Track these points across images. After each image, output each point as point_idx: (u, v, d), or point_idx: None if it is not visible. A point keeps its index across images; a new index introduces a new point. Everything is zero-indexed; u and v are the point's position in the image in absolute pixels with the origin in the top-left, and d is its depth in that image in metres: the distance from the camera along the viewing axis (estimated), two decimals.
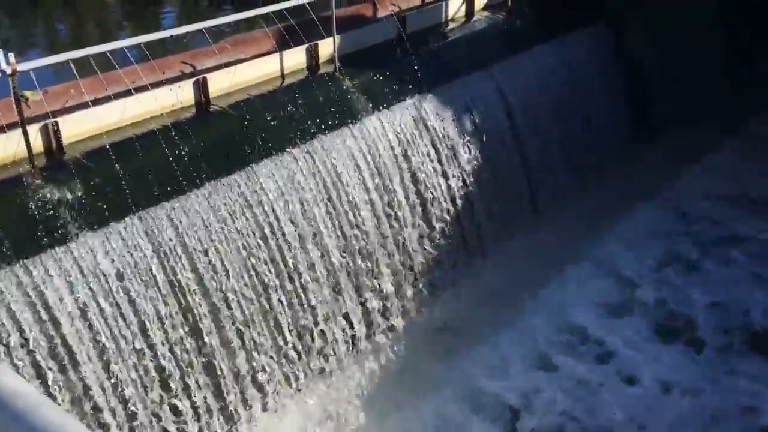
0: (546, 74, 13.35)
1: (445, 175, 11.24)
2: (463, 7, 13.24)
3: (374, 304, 10.20)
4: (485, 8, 13.64)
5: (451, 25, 12.96)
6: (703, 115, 15.79)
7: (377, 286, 10.24)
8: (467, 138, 11.61)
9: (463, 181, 11.49)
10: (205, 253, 8.44)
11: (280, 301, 9.05)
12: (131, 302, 7.82)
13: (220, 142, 9.02)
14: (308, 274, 9.33)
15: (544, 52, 13.49)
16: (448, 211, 11.21)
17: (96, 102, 8.50)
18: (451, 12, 13.08)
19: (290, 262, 9.16)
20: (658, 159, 15.03)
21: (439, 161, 11.21)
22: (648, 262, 12.75)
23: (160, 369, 8.01)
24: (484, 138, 11.92)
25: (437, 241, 11.08)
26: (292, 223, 9.24)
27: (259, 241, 8.92)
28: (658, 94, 15.59)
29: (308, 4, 10.19)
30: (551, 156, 13.27)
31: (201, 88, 9.37)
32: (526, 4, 13.81)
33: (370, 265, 10.12)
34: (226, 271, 8.57)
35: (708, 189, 14.78)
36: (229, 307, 8.59)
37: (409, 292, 10.69)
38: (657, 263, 12.77)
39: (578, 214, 13.27)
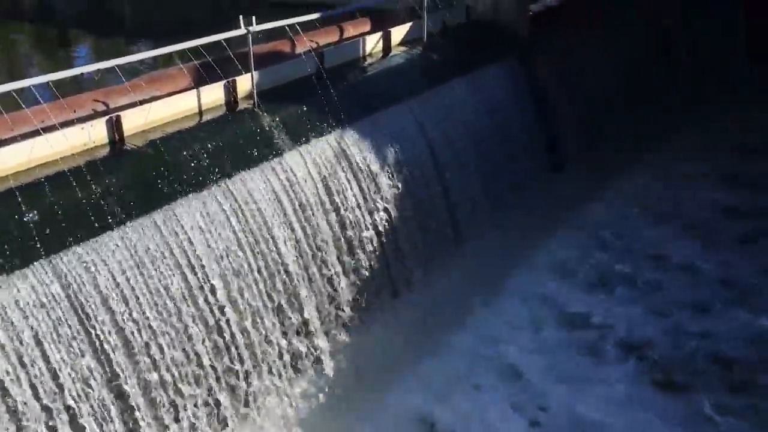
0: (462, 106, 13.77)
1: (368, 207, 11.31)
2: (380, 43, 13.51)
3: (300, 338, 10.06)
4: (402, 44, 13.96)
5: (369, 60, 13.18)
6: (609, 144, 16.72)
7: (303, 321, 10.11)
8: (389, 170, 11.76)
9: (386, 212, 11.58)
10: (123, 296, 8.14)
11: (203, 341, 8.79)
12: (42, 351, 7.42)
13: (136, 181, 8.77)
14: (231, 313, 9.12)
15: (460, 85, 13.92)
16: (372, 242, 11.25)
17: (1, 143, 8.14)
18: (368, 47, 13.31)
19: (212, 301, 8.93)
20: (569, 185, 15.71)
21: (362, 193, 11.27)
22: (568, 282, 13.16)
23: (75, 418, 7.61)
24: (405, 169, 12.10)
25: (362, 272, 11.08)
26: (214, 261, 9.04)
27: (180, 281, 8.67)
28: (566, 125, 16.33)
29: (225, 40, 10.15)
30: (471, 185, 13.58)
31: (115, 126, 9.14)
32: (441, 39, 14.22)
33: (294, 300, 10.00)
34: (145, 314, 8.27)
35: (617, 210, 15.51)
36: (148, 351, 8.27)
37: (335, 326, 10.61)
38: (577, 283, 13.20)
39: (500, 240, 13.63)
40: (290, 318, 9.96)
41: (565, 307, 12.52)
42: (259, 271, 9.58)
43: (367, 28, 14.11)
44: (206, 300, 8.90)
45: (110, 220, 8.23)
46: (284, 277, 9.93)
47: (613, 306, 12.55)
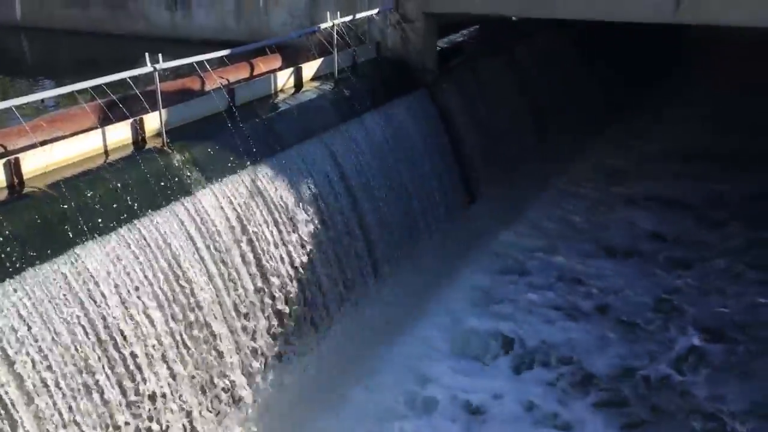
0: (376, 139, 13.96)
1: (284, 243, 11.20)
2: (292, 79, 13.55)
3: (218, 382, 9.77)
4: (313, 79, 14.05)
5: (281, 96, 13.17)
6: (523, 170, 17.32)
7: (221, 364, 9.84)
8: (304, 205, 11.71)
9: (303, 247, 11.51)
10: (24, 350, 7.66)
11: (114, 391, 8.38)
12: None
13: (37, 225, 8.33)
14: (143, 359, 8.76)
15: (373, 118, 14.12)
16: (290, 279, 11.13)
17: None
18: (279, 83, 13.32)
19: (123, 347, 8.56)
20: (483, 215, 16.14)
21: (278, 229, 11.17)
22: (488, 309, 13.45)
23: None
24: (321, 204, 12.09)
25: (281, 310, 10.91)
26: (123, 306, 8.69)
27: (87, 330, 8.27)
28: (477, 156, 16.82)
29: (130, 78, 9.91)
30: (386, 217, 13.70)
31: (13, 168, 8.69)
32: (352, 74, 14.41)
33: (213, 342, 9.73)
34: (50, 367, 7.82)
35: (530, 236, 16.05)
36: (54, 406, 7.81)
37: (255, 366, 10.36)
38: (493, 306, 13.54)
39: (417, 270, 13.78)
40: (207, 360, 9.67)
41: (488, 332, 12.77)
42: (172, 314, 9.27)
43: (278, 64, 14.14)
44: (116, 346, 8.51)
45: (9, 268, 7.78)
46: (200, 318, 9.65)
47: (536, 328, 12.93)
